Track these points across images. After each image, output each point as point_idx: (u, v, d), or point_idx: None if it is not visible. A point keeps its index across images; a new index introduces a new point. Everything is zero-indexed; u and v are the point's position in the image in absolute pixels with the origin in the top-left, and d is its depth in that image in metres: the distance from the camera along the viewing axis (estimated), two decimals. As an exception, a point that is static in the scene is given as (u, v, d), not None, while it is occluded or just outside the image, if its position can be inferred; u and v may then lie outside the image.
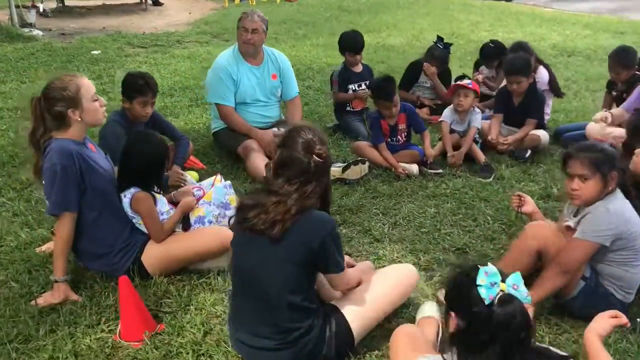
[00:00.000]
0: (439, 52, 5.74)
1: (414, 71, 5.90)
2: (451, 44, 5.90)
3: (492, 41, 5.97)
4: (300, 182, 2.39)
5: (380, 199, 4.16)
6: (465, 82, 4.72)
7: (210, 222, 3.35)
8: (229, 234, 3.24)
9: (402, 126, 4.68)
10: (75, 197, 2.99)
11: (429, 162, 4.56)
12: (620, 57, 4.95)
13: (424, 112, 5.78)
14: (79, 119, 3.01)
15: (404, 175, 4.45)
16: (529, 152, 4.78)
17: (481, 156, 4.63)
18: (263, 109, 4.88)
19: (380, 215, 3.93)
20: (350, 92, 5.39)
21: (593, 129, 4.66)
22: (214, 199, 3.40)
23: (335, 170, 4.36)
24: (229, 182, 3.55)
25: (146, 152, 3.16)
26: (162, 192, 3.30)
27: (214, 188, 3.44)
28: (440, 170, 4.54)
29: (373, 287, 2.64)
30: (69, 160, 2.92)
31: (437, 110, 5.73)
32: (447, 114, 4.86)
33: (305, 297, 2.44)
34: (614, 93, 5.15)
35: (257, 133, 4.69)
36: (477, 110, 4.83)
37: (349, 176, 4.35)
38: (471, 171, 4.59)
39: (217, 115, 4.88)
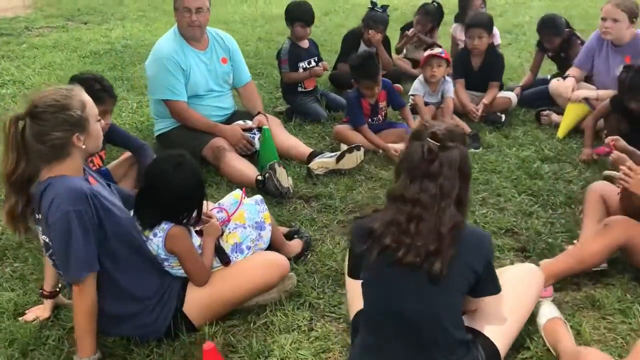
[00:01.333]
0: (380, 16, 5.37)
1: (352, 41, 5.49)
2: (387, 6, 5.58)
3: (434, 1, 5.79)
4: (426, 181, 1.94)
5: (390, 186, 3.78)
6: (437, 51, 4.45)
7: (249, 248, 2.75)
8: (285, 261, 2.72)
9: (382, 104, 4.32)
10: (95, 251, 2.25)
11: (416, 138, 4.27)
12: (550, 26, 4.95)
13: (369, 85, 5.47)
14: (83, 147, 2.25)
15: (396, 157, 4.10)
16: (504, 116, 4.68)
17: (466, 127, 4.43)
18: (217, 100, 4.21)
19: (401, 205, 3.56)
20: (301, 70, 4.88)
21: (560, 87, 4.65)
22: (247, 219, 2.78)
23: (328, 161, 3.90)
24: (259, 196, 2.94)
25: (185, 178, 2.46)
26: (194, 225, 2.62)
27: (244, 206, 2.82)
28: (428, 146, 4.26)
29: (503, 296, 2.30)
30: (83, 204, 2.18)
31: (384, 82, 5.44)
32: (417, 87, 4.57)
33: (464, 328, 2.04)
34: (550, 53, 5.18)
35: (223, 129, 4.03)
36: (448, 79, 4.60)
37: (344, 166, 3.90)
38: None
39: (162, 114, 4.11)
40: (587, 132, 4.13)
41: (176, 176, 2.45)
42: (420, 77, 4.59)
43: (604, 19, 4.35)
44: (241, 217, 2.79)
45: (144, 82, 5.30)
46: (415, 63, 5.68)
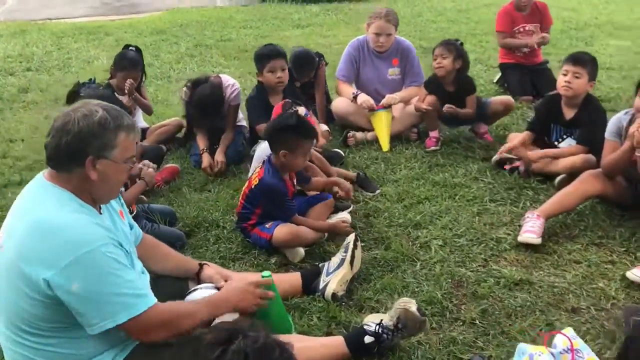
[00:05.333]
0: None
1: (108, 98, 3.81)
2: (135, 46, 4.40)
3: (130, 46, 4.55)
4: None
5: (407, 263, 3.07)
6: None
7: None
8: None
9: (294, 180, 3.34)
10: None
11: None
12: (308, 64, 4.61)
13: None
14: None
15: (351, 230, 3.31)
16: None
17: (350, 173, 3.92)
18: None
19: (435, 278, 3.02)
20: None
21: (362, 103, 4.54)
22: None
23: (343, 273, 2.83)
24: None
25: None
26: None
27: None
28: (352, 206, 3.60)
29: None
30: None
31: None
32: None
33: None
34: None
35: (226, 297, 2.27)
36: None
37: (357, 267, 2.93)
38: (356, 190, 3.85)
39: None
40: (429, 120, 4.46)
41: None
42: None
43: (378, 34, 4.53)
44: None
45: None
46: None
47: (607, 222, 3.39)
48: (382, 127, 4.50)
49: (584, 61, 3.82)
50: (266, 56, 4.05)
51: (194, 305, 2.26)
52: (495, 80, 5.81)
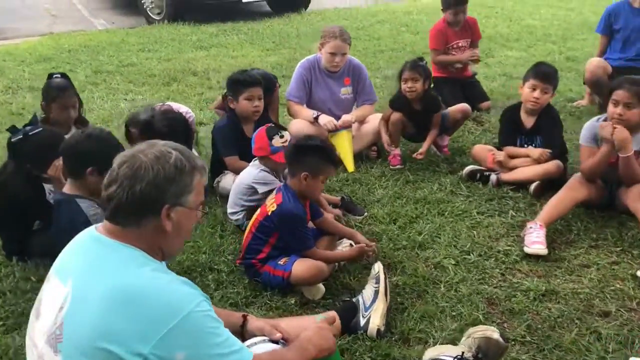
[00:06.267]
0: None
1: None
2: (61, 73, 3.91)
3: (55, 74, 3.94)
4: None
5: (431, 287, 2.97)
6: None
7: None
8: None
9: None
10: None
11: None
12: (268, 86, 4.27)
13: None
14: None
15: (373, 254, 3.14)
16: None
17: (333, 197, 3.73)
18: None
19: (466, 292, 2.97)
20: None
21: (325, 124, 4.40)
22: None
23: (381, 306, 2.67)
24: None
25: None
26: None
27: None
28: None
29: None
30: None
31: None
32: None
33: None
34: None
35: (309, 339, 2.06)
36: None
37: (389, 297, 2.77)
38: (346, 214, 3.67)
39: None
40: (392, 137, 4.40)
41: None
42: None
43: (334, 54, 4.40)
44: None
45: None
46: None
47: (594, 225, 3.53)
48: (346, 147, 4.37)
49: (552, 77, 3.99)
50: (243, 83, 3.79)
51: (286, 350, 2.03)
52: (425, 93, 5.92)
